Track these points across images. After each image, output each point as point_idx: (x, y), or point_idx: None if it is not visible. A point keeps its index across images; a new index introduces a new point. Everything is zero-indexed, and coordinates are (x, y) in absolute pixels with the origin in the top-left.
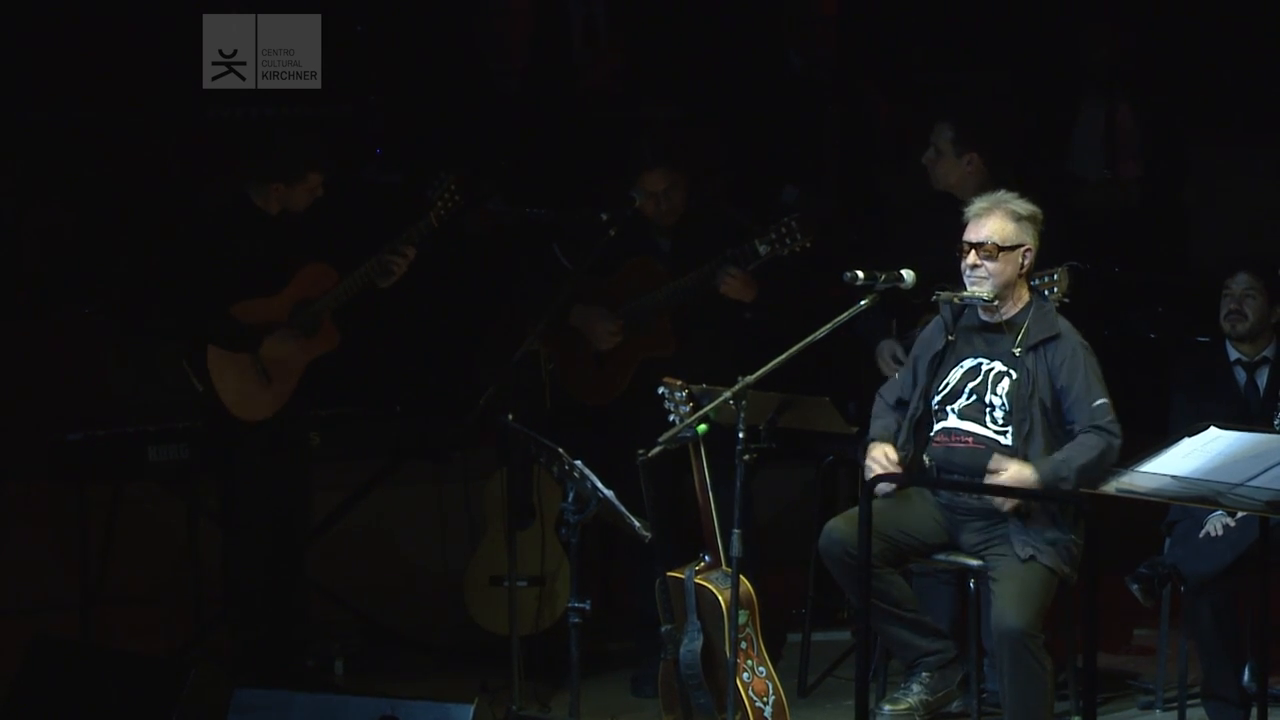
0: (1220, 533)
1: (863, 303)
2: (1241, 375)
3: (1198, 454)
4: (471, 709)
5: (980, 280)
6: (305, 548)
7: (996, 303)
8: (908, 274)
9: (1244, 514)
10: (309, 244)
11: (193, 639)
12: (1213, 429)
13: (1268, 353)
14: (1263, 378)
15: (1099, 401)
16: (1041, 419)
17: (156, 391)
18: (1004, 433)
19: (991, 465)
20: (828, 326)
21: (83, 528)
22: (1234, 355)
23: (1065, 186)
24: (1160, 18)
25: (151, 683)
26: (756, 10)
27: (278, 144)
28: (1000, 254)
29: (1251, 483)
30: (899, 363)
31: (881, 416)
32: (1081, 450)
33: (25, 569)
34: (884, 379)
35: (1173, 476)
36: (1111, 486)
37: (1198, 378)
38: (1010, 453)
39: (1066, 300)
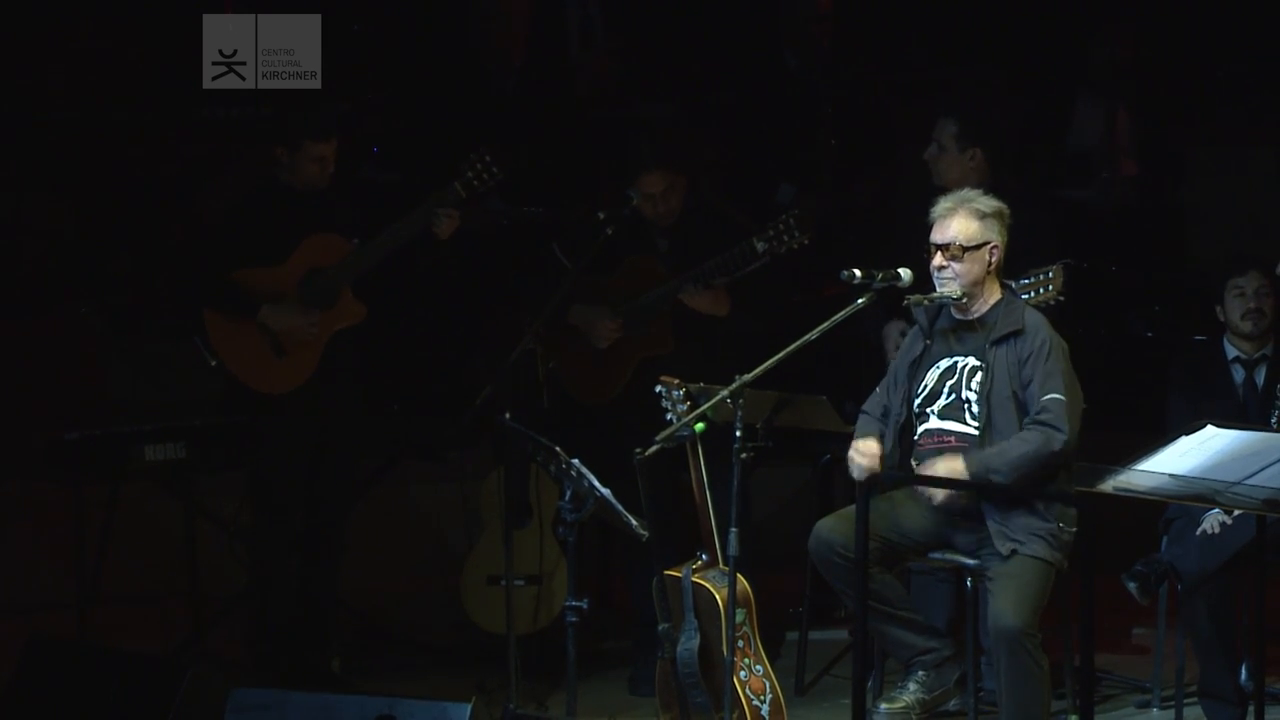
0: (1217, 531)
1: (860, 301)
2: (1240, 373)
3: (1195, 452)
4: (469, 708)
5: (948, 280)
6: (339, 550)
7: (965, 300)
8: (905, 272)
9: (1240, 512)
10: (332, 220)
11: (190, 638)
12: (1210, 427)
13: (1266, 350)
14: (1261, 376)
15: (1049, 396)
16: (1016, 412)
17: (153, 391)
18: (980, 427)
19: (924, 466)
20: (825, 325)
21: (79, 527)
22: (1232, 353)
23: (1063, 183)
24: (1157, 18)
25: (149, 682)
26: (753, 10)
27: (277, 114)
28: (966, 254)
29: (1248, 481)
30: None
31: (865, 425)
32: (1018, 444)
33: (22, 568)
34: (882, 369)
35: (1170, 475)
36: (1109, 485)
37: (1195, 376)
38: (979, 442)
39: (1061, 298)
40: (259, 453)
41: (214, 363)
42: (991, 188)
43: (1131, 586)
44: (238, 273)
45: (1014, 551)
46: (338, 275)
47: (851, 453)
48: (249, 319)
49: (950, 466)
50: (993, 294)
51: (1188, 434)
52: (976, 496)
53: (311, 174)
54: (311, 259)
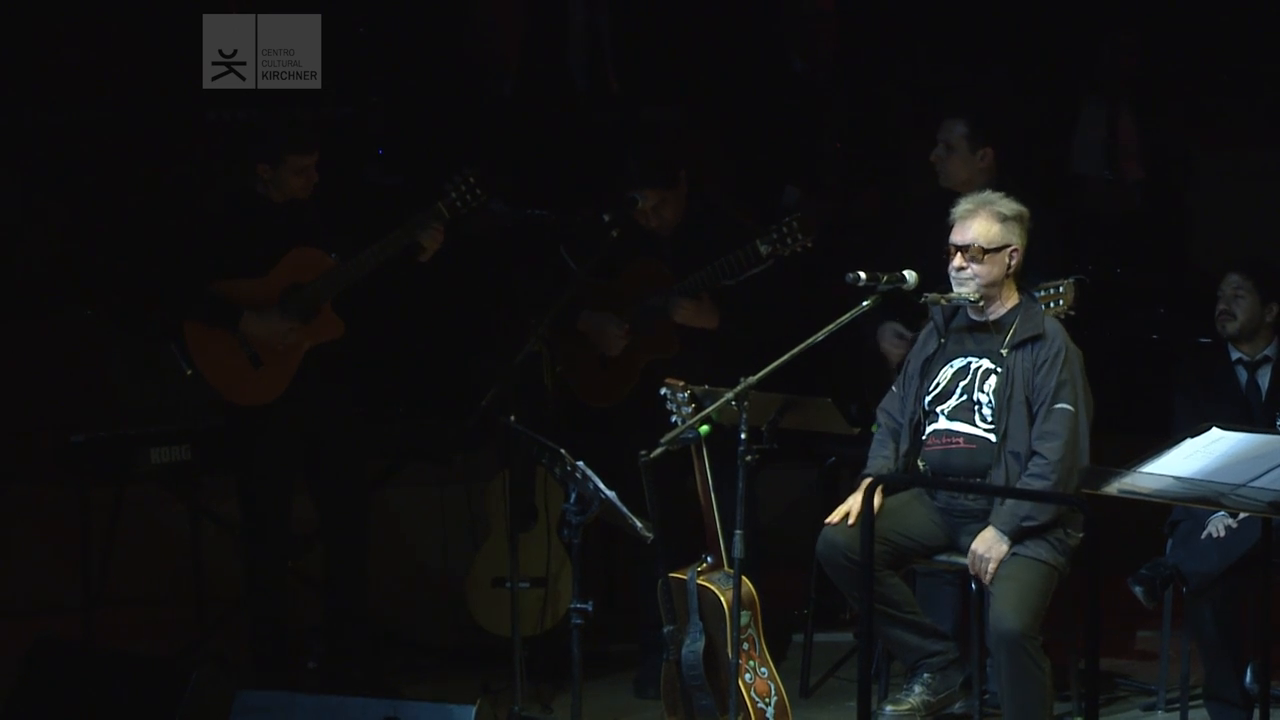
0: (1222, 534)
1: (865, 304)
2: (1243, 375)
3: (1200, 455)
4: (474, 710)
5: (966, 281)
6: (361, 552)
7: (982, 303)
8: (910, 275)
9: (1246, 515)
10: (311, 233)
11: (195, 640)
12: (1215, 430)
13: (1269, 352)
14: (1264, 378)
15: (1058, 406)
16: (1029, 418)
17: (158, 393)
18: (992, 430)
19: (971, 562)
20: (830, 327)
21: (85, 529)
22: (1235, 355)
23: (1068, 187)
24: (1163, 21)
25: (154, 684)
26: (758, 11)
27: (259, 126)
28: (986, 256)
29: (1254, 484)
30: (901, 338)
31: (882, 447)
32: (1031, 482)
33: (27, 570)
34: (885, 370)
35: (1175, 477)
36: (1114, 487)
37: (1200, 379)
38: (995, 449)
39: (1072, 313)
40: (243, 461)
41: (189, 372)
42: (997, 190)
43: (1137, 591)
44: (219, 283)
45: (1015, 553)
46: (318, 290)
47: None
48: (229, 329)
49: (989, 543)
50: (1010, 297)
51: (1193, 436)
52: (985, 499)
53: (295, 187)
54: (293, 273)
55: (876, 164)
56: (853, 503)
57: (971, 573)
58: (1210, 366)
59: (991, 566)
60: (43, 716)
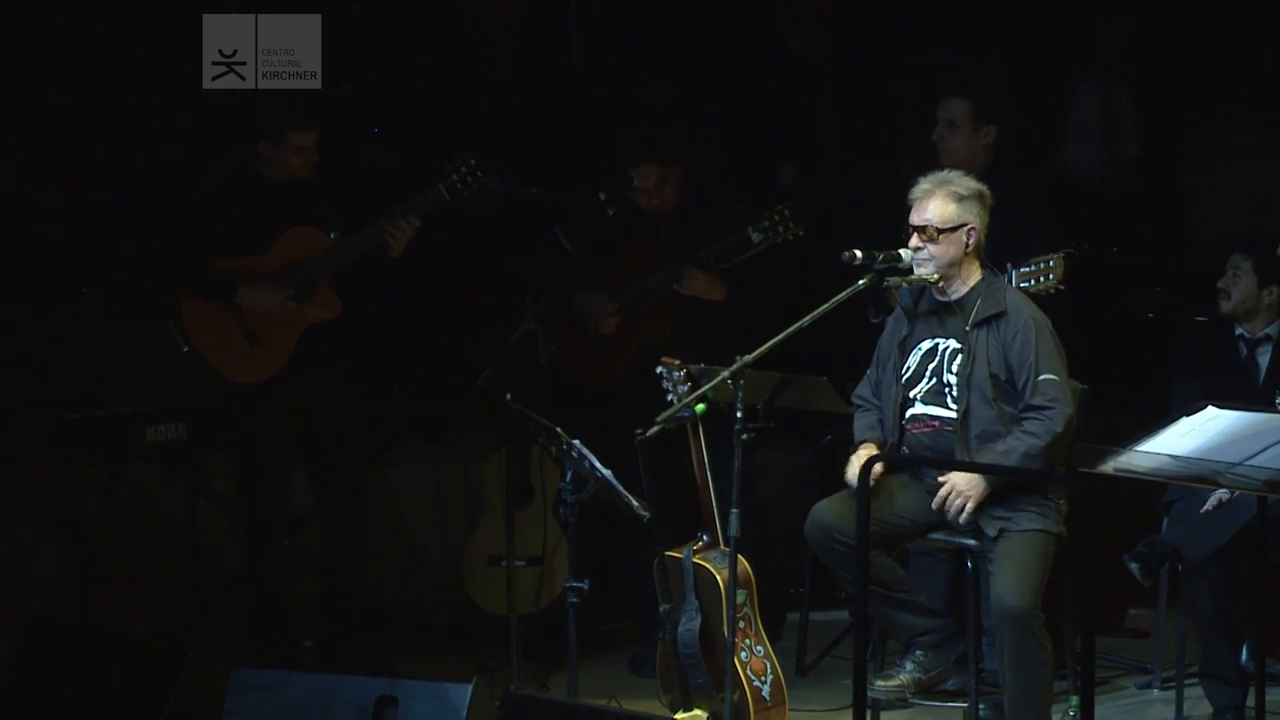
0: (1213, 508)
1: (860, 282)
2: (1243, 350)
3: (1196, 433)
4: (470, 689)
5: (924, 262)
6: (359, 531)
7: (942, 283)
8: (906, 253)
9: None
10: (310, 212)
11: (191, 619)
12: (1210, 408)
13: (1270, 331)
14: (1263, 356)
15: (1044, 377)
16: (995, 393)
17: (154, 371)
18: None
19: (942, 483)
20: (826, 306)
21: (81, 508)
22: (1237, 330)
23: (1063, 165)
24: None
25: (149, 662)
26: None
27: (260, 104)
28: (941, 236)
29: (1249, 462)
30: None
31: (863, 415)
32: (1023, 438)
33: (23, 549)
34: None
35: (1171, 456)
36: (1109, 466)
37: (1204, 356)
38: (958, 428)
39: (1062, 288)
40: (240, 439)
41: (186, 349)
42: (992, 168)
43: (1134, 567)
44: (217, 261)
45: (1002, 530)
46: (316, 269)
47: (852, 459)
48: (224, 305)
49: (971, 481)
50: (972, 275)
51: (1188, 415)
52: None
53: (295, 165)
54: (291, 252)
55: (873, 142)
56: (852, 470)
57: (936, 504)
58: (1214, 342)
59: (970, 506)
60: (39, 694)
